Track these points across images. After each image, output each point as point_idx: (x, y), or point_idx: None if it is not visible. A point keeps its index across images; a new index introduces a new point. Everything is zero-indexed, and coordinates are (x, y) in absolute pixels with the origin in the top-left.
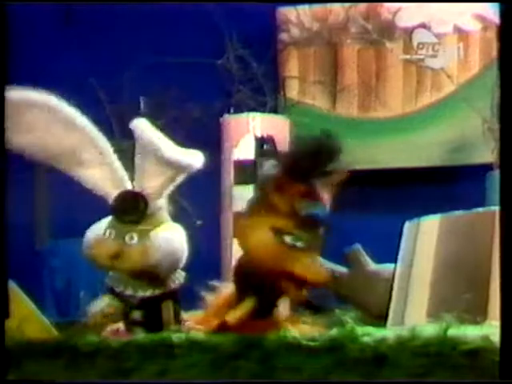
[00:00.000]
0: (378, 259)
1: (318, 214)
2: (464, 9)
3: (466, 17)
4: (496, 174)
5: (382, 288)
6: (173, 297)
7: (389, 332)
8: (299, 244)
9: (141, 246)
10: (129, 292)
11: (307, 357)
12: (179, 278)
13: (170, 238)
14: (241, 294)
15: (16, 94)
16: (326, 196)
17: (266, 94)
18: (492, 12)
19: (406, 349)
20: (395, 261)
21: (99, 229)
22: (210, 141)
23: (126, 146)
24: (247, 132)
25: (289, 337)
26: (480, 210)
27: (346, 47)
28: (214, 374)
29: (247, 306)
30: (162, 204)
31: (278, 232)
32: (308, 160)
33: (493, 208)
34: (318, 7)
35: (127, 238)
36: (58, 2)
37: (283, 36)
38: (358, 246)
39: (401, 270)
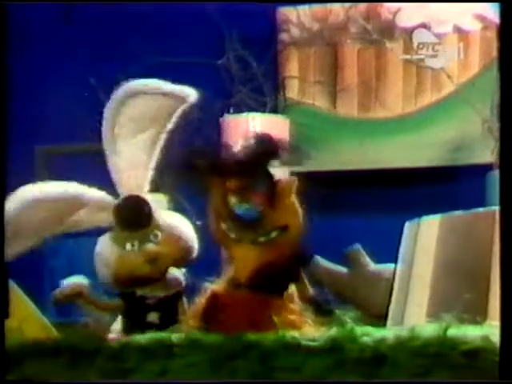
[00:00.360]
0: (378, 259)
1: (241, 213)
2: (464, 9)
3: (466, 17)
4: (496, 173)
5: (382, 288)
6: (183, 295)
7: (389, 332)
8: (231, 235)
9: (167, 239)
10: (148, 294)
11: (307, 357)
12: (186, 275)
13: (180, 220)
14: None
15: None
16: (259, 195)
17: (266, 94)
18: (492, 12)
19: (406, 349)
20: (395, 261)
21: (111, 247)
22: (210, 141)
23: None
24: (247, 132)
25: (288, 337)
26: (480, 210)
27: (346, 47)
28: (213, 374)
29: (229, 273)
30: (158, 199)
31: (217, 218)
32: (245, 155)
33: (493, 208)
34: (317, 7)
35: (152, 237)
36: (58, 2)
37: (283, 36)
38: (358, 246)
39: (401, 270)
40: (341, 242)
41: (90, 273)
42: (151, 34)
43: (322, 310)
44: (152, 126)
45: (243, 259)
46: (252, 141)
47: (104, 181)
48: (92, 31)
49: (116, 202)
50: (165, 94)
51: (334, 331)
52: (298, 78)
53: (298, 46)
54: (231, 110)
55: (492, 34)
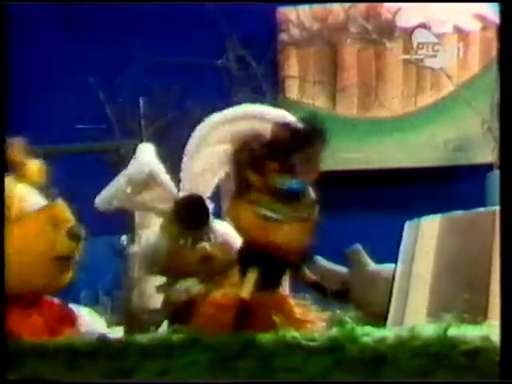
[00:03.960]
0: (378, 259)
1: (291, 187)
2: (464, 9)
3: (466, 17)
4: (496, 173)
5: (382, 288)
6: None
7: (389, 332)
8: (276, 216)
9: (222, 244)
10: (184, 287)
11: (307, 357)
12: None
13: (231, 233)
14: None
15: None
16: (303, 171)
17: (266, 94)
18: (492, 12)
19: (406, 349)
20: (395, 261)
21: (164, 240)
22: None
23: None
24: None
25: (288, 337)
26: (480, 210)
27: (346, 47)
28: (213, 374)
29: (252, 276)
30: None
31: (256, 205)
32: (284, 140)
33: (493, 208)
34: (317, 7)
35: (206, 239)
36: (58, 2)
37: (283, 36)
38: (358, 246)
39: (401, 270)
40: (341, 242)
41: (91, 273)
42: (151, 34)
43: (328, 292)
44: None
45: (292, 238)
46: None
47: (104, 181)
48: (92, 31)
49: (180, 197)
50: (266, 120)
51: (334, 331)
52: (298, 77)
53: (298, 45)
54: None
55: (492, 34)
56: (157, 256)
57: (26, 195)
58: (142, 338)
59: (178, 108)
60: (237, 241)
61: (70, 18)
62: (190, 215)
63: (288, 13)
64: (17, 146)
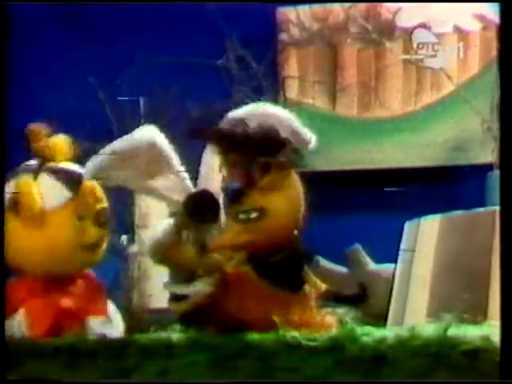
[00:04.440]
0: (378, 259)
1: (226, 187)
2: (464, 9)
3: (466, 17)
4: (496, 173)
5: (382, 288)
6: None
7: (389, 332)
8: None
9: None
10: (192, 290)
11: (307, 357)
12: None
13: None
14: None
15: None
16: (244, 175)
17: (266, 94)
18: (492, 12)
19: (406, 349)
20: (395, 261)
21: (169, 231)
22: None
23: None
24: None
25: (288, 337)
26: (480, 210)
27: (346, 47)
28: (213, 374)
29: (240, 256)
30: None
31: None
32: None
33: (493, 208)
34: (317, 7)
35: (208, 237)
36: (58, 2)
37: (283, 36)
38: (358, 246)
39: (401, 270)
40: (341, 242)
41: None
42: (151, 34)
43: (345, 298)
44: None
45: (224, 233)
46: (263, 127)
47: None
48: (92, 31)
49: (192, 190)
50: (292, 131)
51: (334, 331)
52: (298, 77)
53: (298, 45)
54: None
55: (492, 34)
56: (160, 244)
57: (45, 192)
58: (142, 338)
59: (178, 108)
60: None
61: (70, 18)
62: (198, 211)
63: (288, 13)
64: (37, 132)
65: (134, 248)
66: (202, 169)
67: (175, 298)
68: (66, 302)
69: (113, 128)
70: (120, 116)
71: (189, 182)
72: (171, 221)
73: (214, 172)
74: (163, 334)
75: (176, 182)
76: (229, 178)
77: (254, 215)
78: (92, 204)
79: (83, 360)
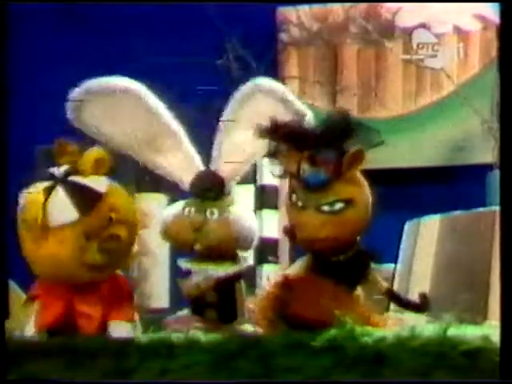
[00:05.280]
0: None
1: (307, 176)
2: (464, 9)
3: (466, 17)
4: (496, 173)
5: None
6: (242, 278)
7: (389, 332)
8: (299, 203)
9: (222, 220)
10: (204, 270)
11: (307, 357)
12: (247, 258)
13: (246, 215)
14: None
15: (96, 83)
16: (328, 162)
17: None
18: (492, 12)
19: (406, 349)
20: (395, 261)
21: (177, 208)
22: (211, 141)
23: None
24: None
25: (288, 337)
26: (480, 210)
27: (346, 47)
28: (213, 374)
29: (304, 260)
30: (233, 187)
31: (290, 191)
32: (315, 130)
33: (493, 208)
34: (317, 7)
35: (208, 213)
36: (58, 2)
37: (283, 36)
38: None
39: (401, 270)
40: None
41: None
42: (151, 34)
43: (406, 303)
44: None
45: (306, 224)
46: (334, 117)
47: None
48: (92, 31)
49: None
50: (288, 106)
51: (334, 331)
52: (298, 78)
53: (298, 45)
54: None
55: (492, 34)
56: (164, 222)
57: (54, 208)
58: (141, 338)
59: (178, 108)
60: (246, 224)
61: (69, 18)
62: (199, 185)
63: (288, 13)
64: (63, 146)
65: (134, 248)
66: (215, 153)
67: (186, 274)
68: (82, 305)
69: None
70: None
71: (199, 163)
72: (182, 202)
73: (232, 158)
74: (163, 334)
75: (185, 160)
76: (311, 169)
77: (339, 206)
78: (102, 227)
79: (83, 360)
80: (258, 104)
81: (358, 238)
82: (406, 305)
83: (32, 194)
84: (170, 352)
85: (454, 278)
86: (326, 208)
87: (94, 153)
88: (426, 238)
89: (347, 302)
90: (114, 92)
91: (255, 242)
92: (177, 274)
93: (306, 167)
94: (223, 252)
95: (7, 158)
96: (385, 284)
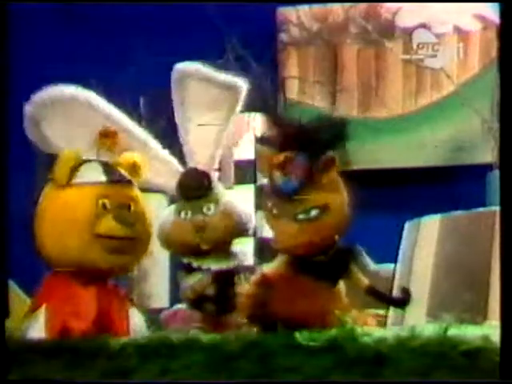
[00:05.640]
0: (378, 259)
1: (280, 185)
2: (464, 9)
3: (466, 17)
4: (496, 173)
5: (382, 288)
6: (241, 272)
7: (389, 332)
8: (274, 210)
9: (221, 213)
10: (205, 266)
11: (307, 357)
12: (245, 253)
13: (238, 200)
14: None
15: (57, 91)
16: (301, 168)
17: (266, 93)
18: (492, 12)
19: (406, 349)
20: (395, 261)
21: (171, 214)
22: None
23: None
24: (247, 132)
25: (288, 337)
26: (480, 210)
27: (346, 47)
28: (213, 374)
29: (282, 258)
30: (216, 177)
31: (265, 196)
32: (294, 130)
33: (493, 208)
34: (317, 7)
35: (205, 209)
36: (58, 2)
37: (283, 36)
38: (358, 246)
39: (401, 270)
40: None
41: None
42: (151, 34)
43: (388, 299)
44: (214, 110)
45: (282, 234)
46: (316, 122)
47: None
48: (91, 31)
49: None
50: (218, 84)
51: (334, 331)
52: (298, 78)
53: (298, 46)
54: None
55: (492, 34)
56: (162, 231)
57: (83, 166)
58: (141, 338)
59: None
60: (241, 208)
61: (69, 18)
62: (187, 186)
63: (288, 13)
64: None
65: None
66: (186, 147)
67: (188, 270)
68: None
69: None
70: None
71: (174, 163)
72: (171, 208)
73: (202, 148)
74: (163, 334)
75: (163, 167)
76: (282, 177)
77: (314, 213)
78: (121, 205)
79: (83, 360)
80: (190, 89)
81: (337, 237)
82: (388, 301)
83: (67, 153)
84: (170, 352)
85: (454, 277)
86: (301, 216)
87: (132, 156)
88: (426, 238)
89: (327, 299)
90: (66, 101)
91: (252, 224)
92: (176, 273)
93: (277, 174)
94: (228, 243)
95: (7, 158)
96: (366, 281)
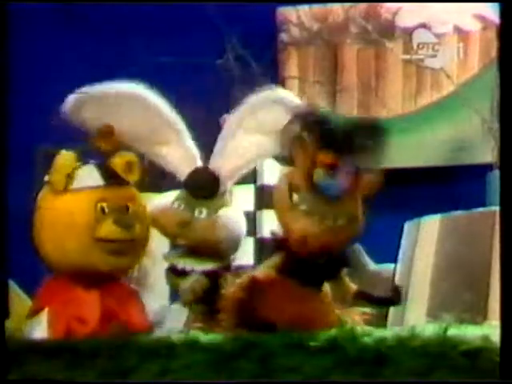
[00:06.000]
0: (378, 259)
1: (324, 185)
2: (464, 9)
3: (466, 17)
4: (496, 173)
5: (382, 288)
6: (227, 274)
7: (389, 332)
8: (302, 206)
9: (208, 221)
10: (189, 267)
11: (307, 357)
12: (234, 258)
13: (236, 220)
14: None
15: (99, 88)
16: (348, 176)
17: None
18: (492, 12)
19: (406, 349)
20: (395, 261)
21: (167, 199)
22: (210, 141)
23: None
24: None
25: (288, 337)
26: (480, 210)
27: (346, 47)
28: (214, 374)
29: (273, 260)
30: (230, 188)
31: (291, 188)
32: (345, 134)
33: (493, 208)
34: (317, 7)
35: (197, 211)
36: (58, 2)
37: (283, 36)
38: (358, 246)
39: (401, 270)
40: None
41: None
42: (151, 34)
43: (377, 300)
44: (268, 134)
45: (301, 229)
46: (366, 124)
47: None
48: (91, 31)
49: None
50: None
51: (334, 331)
52: (298, 77)
53: (298, 45)
54: (231, 110)
55: (492, 34)
56: (153, 208)
57: (79, 170)
58: (141, 338)
59: (178, 108)
60: (232, 230)
61: (69, 18)
62: (195, 181)
63: (288, 13)
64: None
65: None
66: (216, 151)
67: (174, 272)
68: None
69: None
70: None
71: (198, 158)
72: (174, 193)
73: (235, 158)
74: (163, 334)
75: (185, 154)
76: (327, 177)
77: (342, 221)
78: (120, 208)
79: (83, 360)
80: (269, 113)
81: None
82: (378, 302)
83: (63, 158)
84: (170, 352)
85: (454, 277)
86: (330, 220)
87: (126, 156)
88: (426, 238)
89: (315, 303)
90: (113, 95)
91: (240, 246)
92: (166, 277)
93: (321, 172)
94: (205, 250)
95: (7, 158)
96: (354, 286)
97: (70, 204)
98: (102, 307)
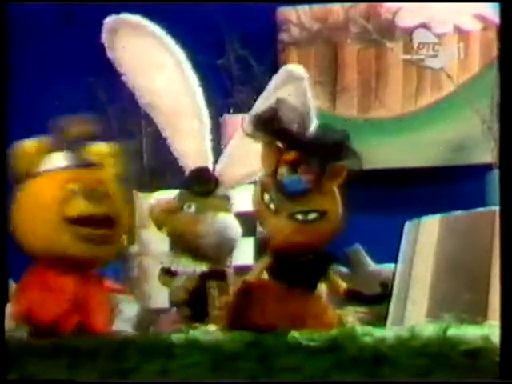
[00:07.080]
0: (378, 259)
1: (287, 182)
2: (464, 9)
3: (466, 17)
4: (496, 173)
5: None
6: (220, 278)
7: (389, 332)
8: (271, 205)
9: (193, 216)
10: (180, 269)
11: (307, 357)
12: (229, 261)
13: (224, 224)
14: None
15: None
16: (311, 171)
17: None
18: (492, 12)
19: (406, 349)
20: (395, 261)
21: (171, 194)
22: (210, 141)
23: None
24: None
25: (288, 337)
26: (480, 209)
27: (346, 47)
28: (214, 374)
29: (263, 261)
30: (230, 195)
31: (262, 189)
32: (308, 133)
33: (493, 208)
34: (317, 7)
35: (186, 205)
36: (58, 2)
37: (283, 36)
38: (358, 246)
39: (401, 270)
40: (341, 242)
41: None
42: None
43: (367, 298)
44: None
45: (276, 230)
46: (328, 129)
47: None
48: (91, 31)
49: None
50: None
51: (334, 331)
52: None
53: (298, 45)
54: (231, 110)
55: (492, 34)
56: (159, 207)
57: (50, 155)
58: (142, 338)
59: None
60: (221, 235)
61: (69, 18)
62: (194, 178)
63: (288, 13)
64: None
65: (134, 248)
66: (225, 154)
67: (167, 272)
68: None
69: (113, 128)
70: (120, 116)
71: (207, 158)
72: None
73: (238, 162)
74: (163, 334)
75: (198, 149)
76: (289, 175)
77: (312, 216)
78: (89, 183)
79: (83, 360)
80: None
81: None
82: (367, 300)
83: (27, 146)
84: (170, 352)
85: (454, 277)
86: (299, 216)
87: (101, 147)
88: (426, 238)
89: (306, 304)
90: (149, 35)
91: (233, 250)
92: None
93: (284, 170)
94: (187, 245)
95: (7, 158)
96: (343, 284)
97: (38, 185)
98: (73, 297)
